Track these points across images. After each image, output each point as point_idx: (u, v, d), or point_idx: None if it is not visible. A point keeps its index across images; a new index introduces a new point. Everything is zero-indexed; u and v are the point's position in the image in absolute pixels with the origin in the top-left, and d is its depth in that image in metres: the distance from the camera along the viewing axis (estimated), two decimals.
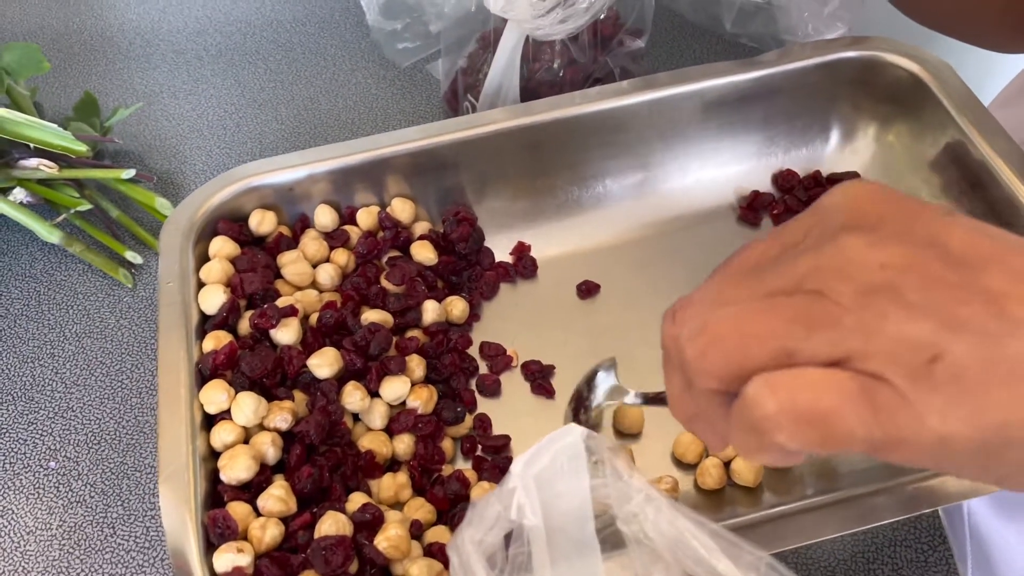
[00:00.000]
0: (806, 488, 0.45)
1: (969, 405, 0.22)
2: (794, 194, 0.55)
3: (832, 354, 0.23)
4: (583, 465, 0.32)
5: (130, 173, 0.57)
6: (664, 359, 0.29)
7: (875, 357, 0.23)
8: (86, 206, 0.57)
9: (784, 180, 0.55)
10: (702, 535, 0.29)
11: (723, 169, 0.56)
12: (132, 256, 0.57)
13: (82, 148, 0.56)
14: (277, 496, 0.39)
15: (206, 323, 0.46)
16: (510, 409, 0.49)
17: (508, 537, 0.32)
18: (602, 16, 0.58)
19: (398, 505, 0.43)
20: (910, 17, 0.54)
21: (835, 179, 0.54)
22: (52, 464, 0.50)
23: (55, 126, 0.56)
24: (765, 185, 0.56)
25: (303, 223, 0.52)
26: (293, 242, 0.51)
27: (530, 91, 0.58)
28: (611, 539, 0.33)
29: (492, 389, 0.49)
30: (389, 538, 0.39)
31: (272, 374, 0.44)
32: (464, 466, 0.46)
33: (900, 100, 0.52)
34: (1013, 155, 0.47)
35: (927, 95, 0.51)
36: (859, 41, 0.52)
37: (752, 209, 0.54)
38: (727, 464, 0.45)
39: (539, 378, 0.49)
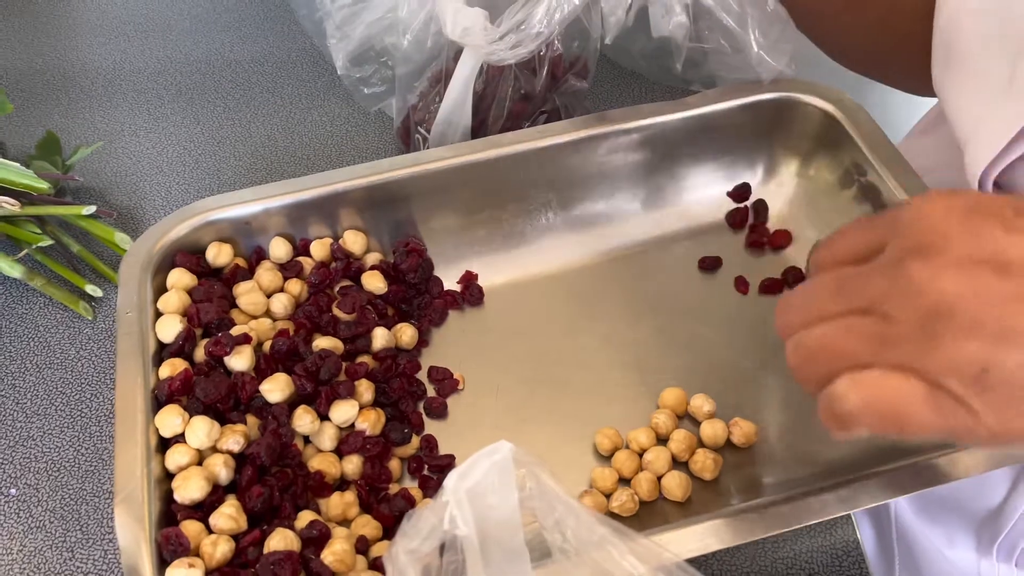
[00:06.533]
0: (732, 499, 0.48)
1: (1017, 407, 0.26)
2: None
3: (902, 367, 0.28)
4: (512, 479, 0.34)
5: (90, 209, 0.59)
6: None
7: (934, 371, 0.27)
8: (47, 242, 0.59)
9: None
10: (617, 540, 0.32)
11: (661, 203, 0.59)
12: (92, 289, 0.59)
13: (44, 186, 0.58)
14: (228, 514, 0.41)
15: (163, 351, 0.48)
16: (456, 430, 0.51)
17: (444, 547, 0.35)
18: (556, 50, 0.61)
19: (346, 522, 0.45)
20: (839, 62, 0.57)
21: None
22: (12, 491, 0.52)
23: (18, 165, 0.58)
24: (704, 217, 0.59)
25: (259, 255, 0.54)
26: (249, 273, 0.53)
27: (480, 123, 0.61)
28: (540, 547, 0.35)
29: (439, 411, 0.51)
30: (335, 552, 0.41)
31: (226, 399, 0.46)
32: (411, 484, 0.49)
33: (818, 138, 0.56)
34: (918, 192, 0.51)
35: (842, 134, 0.54)
36: (778, 84, 0.56)
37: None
38: (659, 479, 0.48)
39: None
